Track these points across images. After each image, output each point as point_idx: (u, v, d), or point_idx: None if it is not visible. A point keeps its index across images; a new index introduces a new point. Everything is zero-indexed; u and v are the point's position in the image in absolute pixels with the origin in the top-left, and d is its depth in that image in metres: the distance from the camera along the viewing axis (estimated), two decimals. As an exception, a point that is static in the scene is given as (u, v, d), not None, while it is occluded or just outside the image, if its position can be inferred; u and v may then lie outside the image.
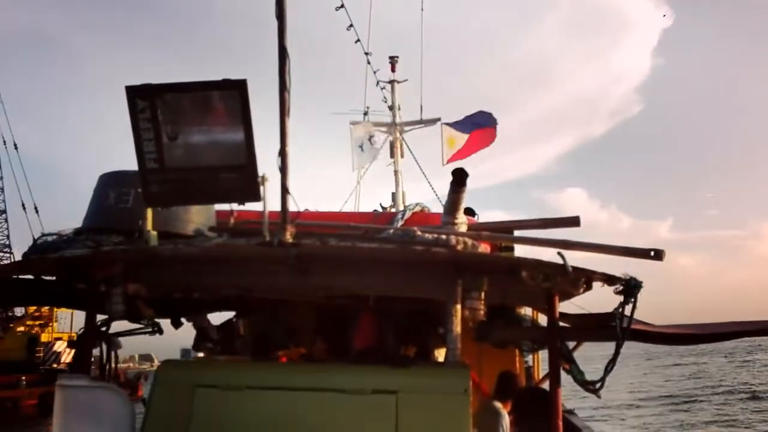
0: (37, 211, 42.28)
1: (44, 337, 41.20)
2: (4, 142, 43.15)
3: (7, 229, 44.21)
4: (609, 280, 3.72)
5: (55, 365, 37.99)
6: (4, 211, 44.28)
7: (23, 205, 42.75)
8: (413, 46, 14.37)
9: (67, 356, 29.64)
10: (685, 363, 55.66)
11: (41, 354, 39.57)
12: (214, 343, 5.97)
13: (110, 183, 4.13)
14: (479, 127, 12.99)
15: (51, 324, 42.36)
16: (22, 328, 41.11)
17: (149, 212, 3.68)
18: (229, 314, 6.47)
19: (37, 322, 42.24)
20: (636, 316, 3.75)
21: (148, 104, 3.28)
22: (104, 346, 4.78)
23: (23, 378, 36.02)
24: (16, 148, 43.15)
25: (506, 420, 5.45)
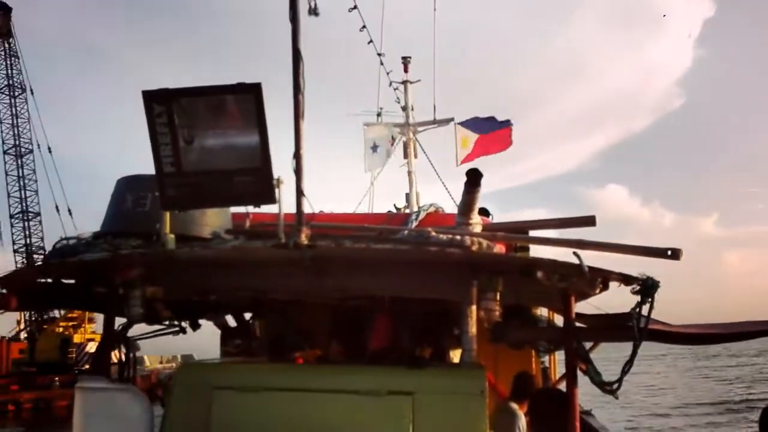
0: (70, 213, 42.80)
1: (77, 338, 41.69)
2: (38, 145, 43.71)
3: (42, 231, 44.71)
4: (626, 279, 3.69)
5: (87, 366, 38.52)
6: (39, 214, 44.72)
7: (57, 207, 43.32)
8: (433, 46, 14.31)
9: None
10: (735, 365, 52.42)
11: (74, 355, 40.08)
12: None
13: (128, 187, 4.17)
14: (492, 129, 12.94)
15: (84, 325, 42.91)
16: (59, 329, 41.65)
17: (166, 215, 3.72)
18: (245, 316, 6.51)
19: (71, 323, 42.77)
20: (661, 317, 3.69)
21: (165, 108, 3.31)
22: (123, 349, 4.84)
23: (56, 379, 36.44)
24: (50, 151, 43.73)
25: (523, 421, 5.42)
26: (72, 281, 4.46)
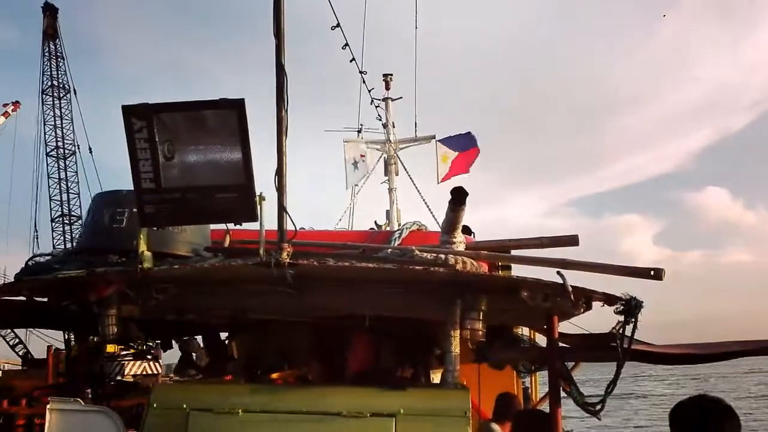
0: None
1: (109, 349, 40.22)
2: (78, 146, 42.12)
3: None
4: (609, 299, 3.69)
5: (119, 378, 37.45)
6: (80, 217, 42.76)
7: (92, 210, 41.60)
8: (414, 65, 14.38)
9: (133, 368, 27.98)
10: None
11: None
12: (197, 369, 5.87)
13: (105, 203, 4.08)
14: (465, 148, 13.08)
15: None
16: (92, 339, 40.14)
17: (144, 232, 3.63)
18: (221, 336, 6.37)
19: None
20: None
21: (145, 124, 3.24)
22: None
23: (88, 390, 35.14)
24: (90, 152, 42.21)
25: (505, 442, 5.38)
26: (45, 299, 4.33)
